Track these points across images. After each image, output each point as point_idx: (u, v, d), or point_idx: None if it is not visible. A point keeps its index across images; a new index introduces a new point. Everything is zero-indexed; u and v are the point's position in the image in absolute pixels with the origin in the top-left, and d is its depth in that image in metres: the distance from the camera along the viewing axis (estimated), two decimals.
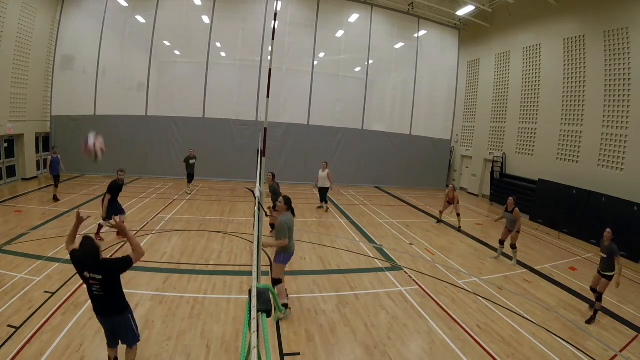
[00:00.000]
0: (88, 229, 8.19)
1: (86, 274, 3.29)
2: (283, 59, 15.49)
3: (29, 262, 6.24)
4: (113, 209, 7.49)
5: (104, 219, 7.46)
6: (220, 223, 9.46)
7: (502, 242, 8.48)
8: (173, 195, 12.07)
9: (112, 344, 3.62)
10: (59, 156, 10.65)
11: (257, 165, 6.40)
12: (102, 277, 3.28)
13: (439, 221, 11.65)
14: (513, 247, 8.24)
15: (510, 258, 8.39)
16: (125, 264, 3.38)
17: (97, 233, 7.51)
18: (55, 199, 10.49)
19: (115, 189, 7.46)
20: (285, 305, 5.13)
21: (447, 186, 11.42)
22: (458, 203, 11.08)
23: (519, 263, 8.34)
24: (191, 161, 12.51)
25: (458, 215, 11.18)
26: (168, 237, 8.06)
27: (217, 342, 4.43)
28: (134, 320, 3.62)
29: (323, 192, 11.70)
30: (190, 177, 12.79)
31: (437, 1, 16.19)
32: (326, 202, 11.91)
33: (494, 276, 7.40)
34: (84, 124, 14.67)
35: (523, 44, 14.75)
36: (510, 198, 8.28)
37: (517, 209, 8.08)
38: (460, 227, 11.05)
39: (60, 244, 7.14)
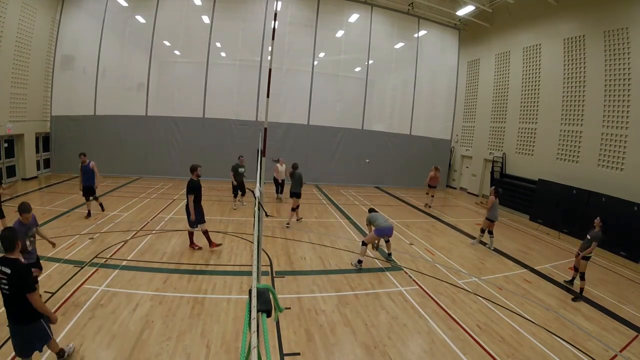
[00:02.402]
0: (89, 228, 8.21)
1: None
2: (283, 59, 15.49)
3: None
4: (201, 213, 7.21)
5: (195, 225, 7.22)
6: (220, 223, 9.46)
7: (482, 230, 9.03)
8: (173, 195, 12.06)
9: (24, 354, 3.41)
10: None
11: (257, 165, 6.40)
12: (11, 273, 3.15)
13: (427, 206, 12.92)
14: (490, 233, 8.85)
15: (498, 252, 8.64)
16: (28, 286, 3.19)
17: (192, 243, 7.43)
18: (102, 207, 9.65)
19: (198, 188, 7.06)
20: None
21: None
22: (435, 187, 12.37)
23: (519, 262, 8.35)
24: (240, 169, 10.91)
25: (432, 196, 12.55)
26: (168, 237, 8.06)
27: (217, 342, 4.43)
28: (48, 327, 3.49)
29: (281, 185, 12.61)
30: (241, 188, 11.08)
31: (437, 1, 16.19)
32: (281, 193, 12.67)
33: (494, 276, 7.40)
34: (84, 124, 14.72)
35: (523, 44, 14.75)
36: (492, 189, 9.00)
37: (491, 196, 8.72)
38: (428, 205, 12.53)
39: (60, 244, 7.13)
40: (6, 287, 3.18)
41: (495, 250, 8.98)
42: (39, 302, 3.26)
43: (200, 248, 7.45)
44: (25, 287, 3.17)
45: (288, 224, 9.61)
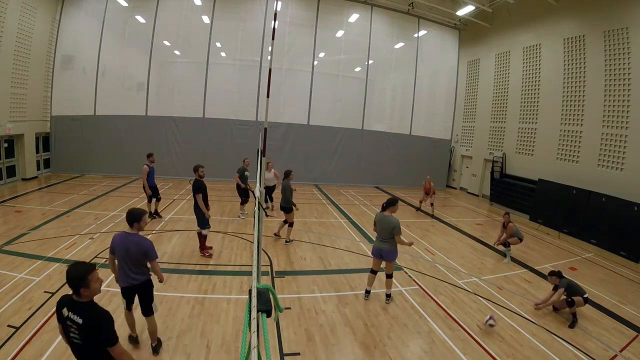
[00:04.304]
0: (89, 228, 8.21)
1: (64, 311, 2.49)
2: (283, 59, 15.49)
3: (29, 262, 6.24)
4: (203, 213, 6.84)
5: (204, 227, 6.91)
6: (220, 223, 9.45)
7: (508, 244, 8.41)
8: (173, 195, 12.06)
9: None
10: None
11: (257, 165, 6.39)
12: (83, 324, 2.44)
13: (418, 209, 12.74)
14: (506, 244, 8.35)
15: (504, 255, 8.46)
16: (108, 338, 2.48)
17: (203, 247, 7.08)
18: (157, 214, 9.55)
19: (204, 187, 6.85)
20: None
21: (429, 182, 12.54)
22: (434, 194, 12.25)
23: (519, 263, 8.34)
24: (246, 173, 9.90)
25: (431, 204, 12.26)
26: (168, 237, 8.07)
27: (217, 342, 4.43)
28: None
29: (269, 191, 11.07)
30: (246, 195, 9.99)
31: (437, 1, 16.19)
32: (271, 201, 11.42)
33: (494, 276, 7.40)
34: (84, 124, 14.73)
35: (523, 44, 14.75)
36: (505, 216, 8.60)
37: (510, 224, 8.30)
38: (433, 214, 12.25)
39: (60, 244, 7.14)
40: (77, 338, 2.47)
41: (501, 253, 8.86)
42: (125, 355, 2.58)
43: (211, 255, 7.12)
44: (105, 340, 2.48)
45: (287, 240, 8.39)
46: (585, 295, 5.77)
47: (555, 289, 5.94)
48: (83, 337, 2.44)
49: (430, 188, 12.19)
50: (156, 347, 4.17)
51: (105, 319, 2.53)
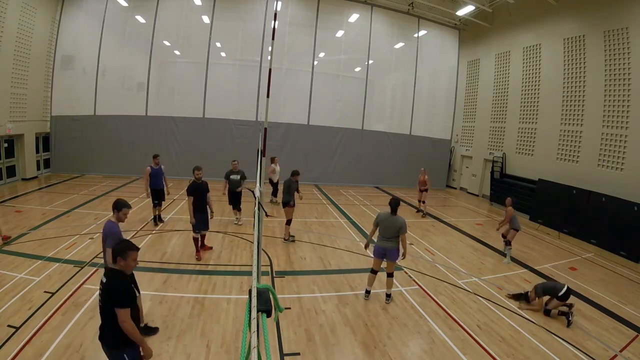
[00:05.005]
0: (89, 228, 8.21)
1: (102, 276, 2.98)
2: (283, 59, 15.49)
3: (29, 262, 6.24)
4: (199, 218, 6.77)
5: (196, 230, 6.88)
6: (220, 223, 9.45)
7: (504, 237, 8.44)
8: (173, 195, 12.03)
9: None
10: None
11: (257, 165, 6.40)
12: (105, 283, 2.88)
13: (419, 211, 12.45)
14: (507, 243, 8.34)
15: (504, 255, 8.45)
16: (117, 300, 2.79)
17: (198, 249, 7.02)
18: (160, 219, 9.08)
19: (196, 189, 6.79)
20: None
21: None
22: (426, 191, 12.04)
23: (519, 263, 8.34)
24: (233, 176, 9.08)
25: (423, 202, 12.14)
26: (168, 237, 8.06)
27: (217, 342, 4.43)
28: None
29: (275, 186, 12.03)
30: (235, 200, 9.22)
31: (437, 1, 16.19)
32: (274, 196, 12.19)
33: (494, 276, 7.40)
34: (84, 124, 14.73)
35: (523, 44, 14.75)
36: (508, 199, 8.52)
37: (509, 207, 8.26)
38: (425, 211, 12.22)
39: (60, 244, 7.14)
40: (101, 298, 2.89)
41: (501, 253, 8.85)
42: (128, 324, 2.78)
43: (199, 258, 6.98)
44: (115, 301, 2.78)
45: (286, 238, 8.44)
46: (560, 294, 5.70)
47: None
48: (104, 296, 2.85)
49: (424, 181, 12.00)
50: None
51: (124, 285, 2.89)
